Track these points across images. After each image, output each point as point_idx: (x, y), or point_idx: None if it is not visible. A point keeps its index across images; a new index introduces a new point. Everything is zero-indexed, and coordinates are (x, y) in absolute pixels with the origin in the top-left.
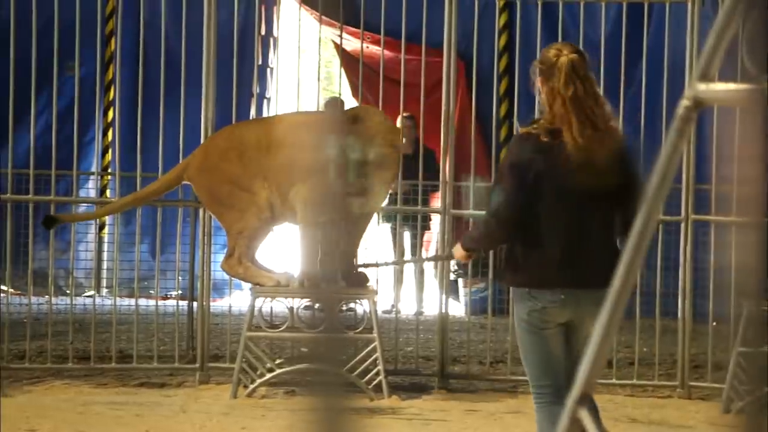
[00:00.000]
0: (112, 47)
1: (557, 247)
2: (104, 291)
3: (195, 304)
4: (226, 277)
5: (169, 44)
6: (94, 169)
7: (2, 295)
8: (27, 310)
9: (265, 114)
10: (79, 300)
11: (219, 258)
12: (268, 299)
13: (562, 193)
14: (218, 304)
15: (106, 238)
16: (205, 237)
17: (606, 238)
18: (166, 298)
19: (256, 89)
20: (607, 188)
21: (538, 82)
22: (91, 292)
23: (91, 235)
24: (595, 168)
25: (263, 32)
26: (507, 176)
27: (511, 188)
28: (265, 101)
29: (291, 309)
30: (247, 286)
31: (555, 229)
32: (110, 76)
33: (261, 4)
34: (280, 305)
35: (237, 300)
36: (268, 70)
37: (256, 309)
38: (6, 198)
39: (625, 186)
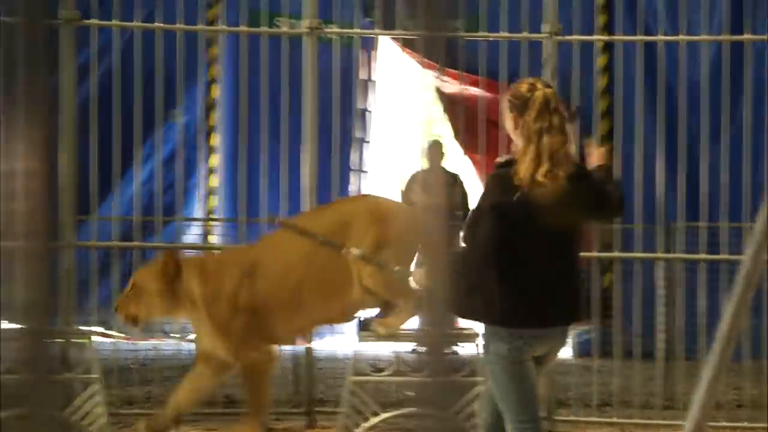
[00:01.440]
0: (215, 93)
1: (532, 284)
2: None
3: (300, 348)
4: None
5: (271, 89)
6: (197, 214)
7: (111, 340)
8: (134, 356)
9: (364, 158)
10: (185, 345)
11: None
12: (373, 343)
13: (531, 230)
14: (324, 348)
15: None
16: None
17: (574, 272)
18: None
19: (356, 133)
20: (564, 225)
21: (509, 118)
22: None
23: None
24: (547, 203)
25: (363, 76)
26: (482, 216)
27: (486, 228)
28: (365, 144)
29: (397, 353)
30: (348, 329)
31: (528, 266)
32: (213, 122)
33: (361, 48)
34: (385, 349)
35: (340, 343)
36: (367, 113)
37: (361, 353)
38: (113, 245)
39: (590, 201)
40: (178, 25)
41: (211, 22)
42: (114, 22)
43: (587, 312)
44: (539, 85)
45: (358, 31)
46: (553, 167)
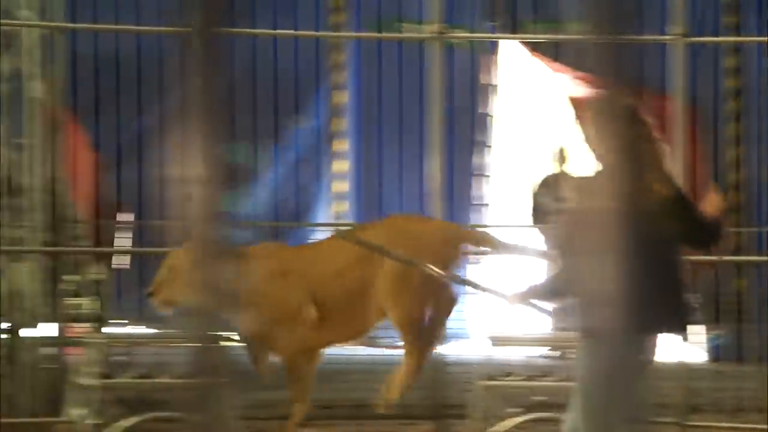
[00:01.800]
0: (339, 99)
1: (645, 292)
2: None
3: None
4: (457, 324)
5: (396, 94)
6: (324, 219)
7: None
8: None
9: (486, 162)
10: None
11: None
12: (502, 347)
13: (635, 240)
14: (453, 352)
15: None
16: None
17: (673, 283)
18: (396, 347)
19: (479, 137)
20: (664, 234)
21: (589, 127)
22: None
23: None
24: (646, 214)
25: (486, 80)
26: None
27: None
28: (486, 149)
29: (527, 357)
30: (478, 333)
31: (640, 274)
32: (337, 127)
33: (484, 52)
34: (515, 353)
35: (470, 348)
36: (490, 118)
37: (490, 357)
38: None
39: (684, 231)
40: (303, 32)
41: (337, 28)
42: (242, 29)
43: (689, 319)
44: (623, 96)
45: (483, 35)
46: (657, 179)
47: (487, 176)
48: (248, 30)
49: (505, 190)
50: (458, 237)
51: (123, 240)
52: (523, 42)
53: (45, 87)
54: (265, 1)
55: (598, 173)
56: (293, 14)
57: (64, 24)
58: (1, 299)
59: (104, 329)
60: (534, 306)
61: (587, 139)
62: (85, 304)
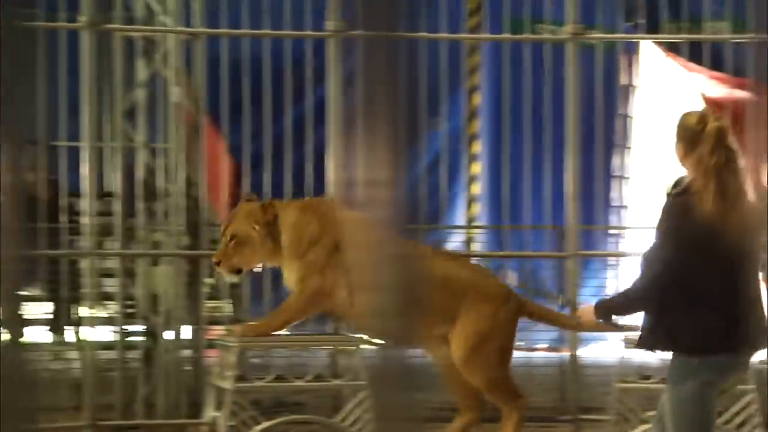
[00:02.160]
0: (476, 101)
1: (724, 312)
2: None
3: (565, 354)
4: None
5: (533, 96)
6: (460, 221)
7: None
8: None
9: (625, 164)
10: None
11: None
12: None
13: (716, 258)
14: (590, 354)
15: None
16: (573, 287)
17: (756, 297)
18: (534, 349)
19: (617, 139)
20: (744, 250)
21: (678, 147)
22: None
23: None
24: (731, 231)
25: (625, 81)
26: (665, 243)
27: (669, 256)
28: (626, 150)
29: (664, 360)
30: (612, 335)
31: (718, 293)
32: (473, 129)
33: (622, 53)
34: (652, 356)
35: (606, 349)
36: (629, 119)
37: (626, 360)
38: None
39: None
40: (441, 34)
41: (473, 30)
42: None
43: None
44: (710, 119)
45: (620, 35)
46: (736, 201)
47: (626, 178)
48: (386, 33)
49: (643, 192)
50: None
51: None
52: (658, 42)
53: (183, 92)
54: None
55: (688, 192)
56: (432, 16)
57: (203, 29)
58: (141, 302)
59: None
60: (611, 323)
61: (678, 159)
62: (223, 306)
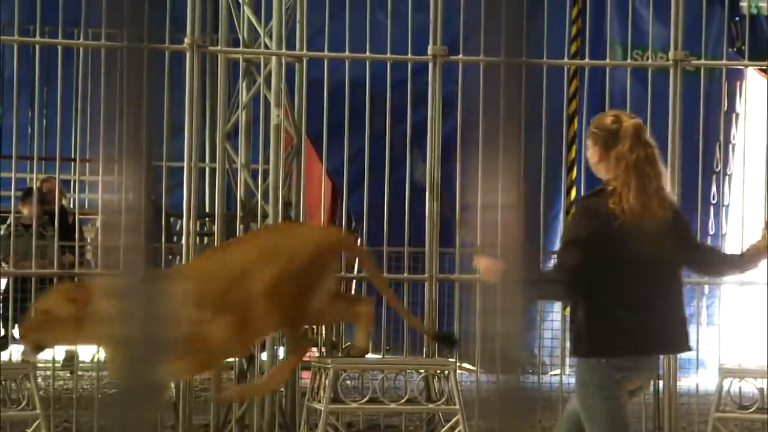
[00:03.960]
0: (575, 127)
1: (629, 312)
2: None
3: (661, 383)
4: (693, 355)
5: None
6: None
7: (466, 373)
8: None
9: (725, 191)
10: (545, 378)
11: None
12: (737, 379)
13: (627, 260)
14: (686, 383)
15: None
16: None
17: (673, 303)
18: None
19: (718, 166)
20: (665, 254)
21: (593, 150)
22: (557, 371)
23: (557, 313)
24: (649, 232)
25: (728, 108)
26: (572, 248)
27: (576, 260)
28: (726, 178)
29: (761, 390)
30: (711, 365)
31: (627, 296)
32: (573, 155)
33: (726, 79)
34: (749, 386)
35: (703, 378)
36: (731, 146)
37: (724, 389)
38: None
39: (681, 252)
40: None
41: (573, 56)
42: (479, 57)
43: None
44: (624, 117)
45: (724, 62)
46: (659, 197)
47: (726, 206)
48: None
49: (744, 220)
50: (336, 243)
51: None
52: (760, 69)
53: (284, 114)
54: None
55: (604, 193)
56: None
57: (304, 52)
58: None
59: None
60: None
61: (592, 164)
62: (319, 329)
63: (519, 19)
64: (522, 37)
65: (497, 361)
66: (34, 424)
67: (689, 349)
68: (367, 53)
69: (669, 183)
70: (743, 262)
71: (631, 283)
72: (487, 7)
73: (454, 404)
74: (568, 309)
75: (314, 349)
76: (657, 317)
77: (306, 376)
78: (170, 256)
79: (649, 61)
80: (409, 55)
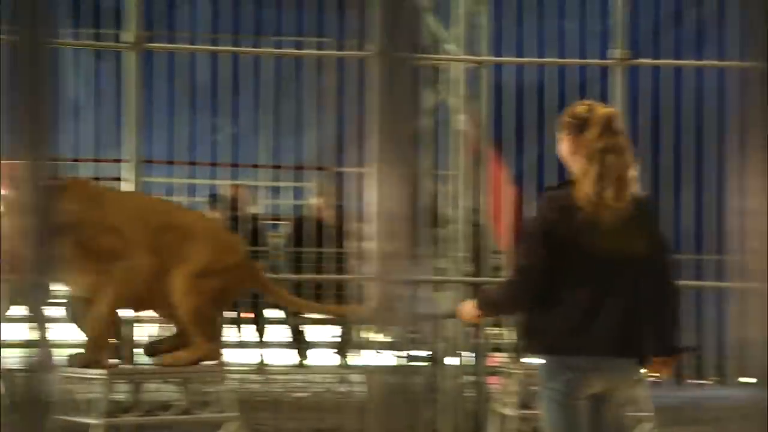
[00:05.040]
0: None
1: (586, 311)
2: None
3: None
4: None
5: None
6: None
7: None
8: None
9: None
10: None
11: None
12: None
13: (586, 255)
14: None
15: None
16: None
17: (634, 301)
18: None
19: None
20: (629, 250)
21: (565, 141)
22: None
23: None
24: (605, 226)
25: None
26: (532, 239)
27: (536, 251)
28: None
29: None
30: None
31: (581, 292)
32: None
33: None
34: None
35: None
36: None
37: None
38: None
39: (647, 249)
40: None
41: None
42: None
43: (667, 343)
44: (599, 106)
45: None
46: (620, 189)
47: None
48: (671, 61)
49: None
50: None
51: None
52: None
53: (468, 119)
54: (687, 33)
55: (568, 184)
56: (718, 43)
57: (488, 57)
58: (424, 328)
59: (523, 360)
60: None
61: (565, 157)
62: (505, 334)
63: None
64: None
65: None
66: (228, 427)
67: (639, 356)
68: (551, 57)
69: (636, 176)
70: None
71: (584, 280)
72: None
73: (646, 411)
74: None
75: (501, 353)
76: (610, 318)
77: (493, 382)
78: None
79: None
80: (592, 59)
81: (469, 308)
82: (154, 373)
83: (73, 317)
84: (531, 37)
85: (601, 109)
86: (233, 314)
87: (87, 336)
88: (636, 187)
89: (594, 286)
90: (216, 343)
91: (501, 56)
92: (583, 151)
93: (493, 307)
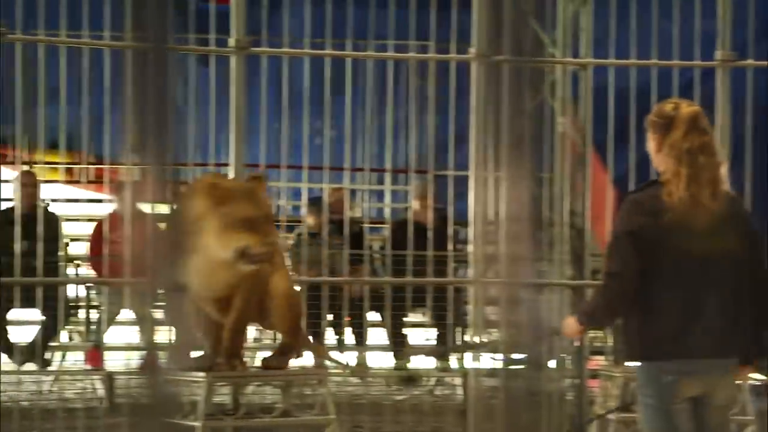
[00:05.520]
0: None
1: (681, 314)
2: None
3: None
4: None
5: None
6: None
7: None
8: None
9: None
10: None
11: None
12: None
13: (676, 257)
14: None
15: None
16: None
17: (731, 301)
18: None
19: None
20: (720, 251)
21: (652, 139)
22: None
23: None
24: (700, 227)
25: None
26: (619, 244)
27: (624, 256)
28: None
29: None
30: None
31: (676, 294)
32: None
33: None
34: None
35: None
36: None
37: None
38: None
39: (742, 248)
40: None
41: None
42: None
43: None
44: (684, 104)
45: None
46: (714, 189)
47: None
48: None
49: None
50: None
51: None
52: None
53: (570, 122)
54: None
55: (656, 185)
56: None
57: (590, 60)
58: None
59: (624, 363)
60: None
61: (653, 156)
62: (606, 337)
63: None
64: None
65: None
66: (328, 429)
67: (741, 356)
68: (654, 59)
69: (727, 175)
70: None
71: (679, 282)
72: None
73: (748, 415)
74: None
75: (602, 356)
76: (706, 319)
77: (594, 385)
78: (458, 264)
79: None
80: (696, 61)
81: (571, 324)
82: (255, 376)
83: (174, 317)
84: (633, 39)
85: (687, 108)
86: (335, 317)
87: (224, 339)
88: (727, 186)
89: (690, 288)
90: (303, 337)
91: (603, 58)
92: (671, 151)
93: (592, 318)
